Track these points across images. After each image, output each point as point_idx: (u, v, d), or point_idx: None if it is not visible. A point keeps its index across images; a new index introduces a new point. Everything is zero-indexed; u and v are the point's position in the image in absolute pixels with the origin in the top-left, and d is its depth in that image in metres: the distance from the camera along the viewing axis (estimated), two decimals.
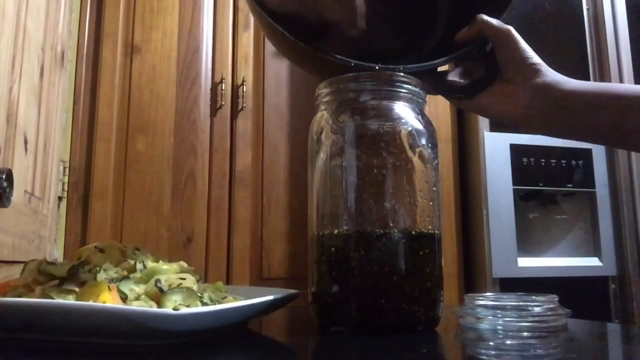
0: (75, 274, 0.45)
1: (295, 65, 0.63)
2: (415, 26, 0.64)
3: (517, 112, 0.55)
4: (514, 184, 1.53)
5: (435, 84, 0.56)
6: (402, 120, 0.49)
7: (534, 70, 0.54)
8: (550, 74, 0.55)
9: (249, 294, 0.50)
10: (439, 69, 0.57)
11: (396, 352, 0.37)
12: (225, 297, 0.50)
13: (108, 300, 0.42)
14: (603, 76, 1.68)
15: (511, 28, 0.55)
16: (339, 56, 0.51)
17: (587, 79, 1.67)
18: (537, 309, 0.39)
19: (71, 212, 1.40)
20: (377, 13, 0.60)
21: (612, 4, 1.71)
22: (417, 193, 0.48)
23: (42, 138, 1.11)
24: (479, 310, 0.40)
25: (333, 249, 0.47)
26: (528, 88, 0.54)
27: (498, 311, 0.39)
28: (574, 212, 1.62)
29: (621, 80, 1.66)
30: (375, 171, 0.47)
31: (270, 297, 0.45)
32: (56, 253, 1.31)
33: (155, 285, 0.43)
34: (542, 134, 0.57)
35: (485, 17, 0.56)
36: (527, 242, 1.55)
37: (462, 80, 0.58)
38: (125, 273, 0.45)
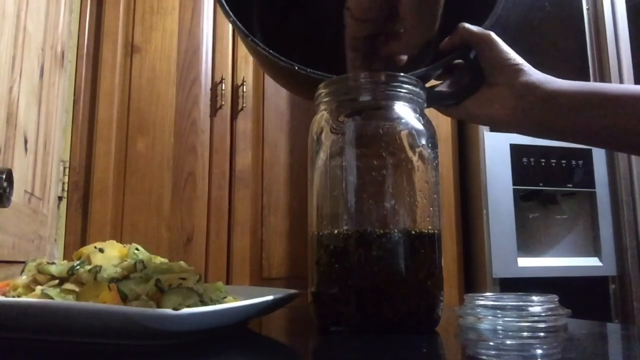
0: (75, 274, 0.45)
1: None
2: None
3: (504, 115, 0.55)
4: (514, 184, 1.53)
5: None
6: (402, 120, 0.49)
7: (516, 70, 0.54)
8: (534, 74, 0.55)
9: (249, 294, 0.50)
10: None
11: (396, 352, 0.37)
12: (225, 297, 0.50)
13: (108, 300, 0.42)
14: (603, 76, 1.68)
15: (491, 32, 0.55)
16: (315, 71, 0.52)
17: (587, 79, 1.68)
18: (537, 309, 0.39)
19: (71, 212, 1.40)
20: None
21: (612, 4, 1.71)
22: (417, 193, 0.48)
23: (42, 138, 1.11)
24: (479, 310, 0.40)
25: (333, 248, 0.47)
26: (512, 89, 0.54)
27: (498, 311, 0.39)
28: (574, 212, 1.62)
29: (621, 81, 1.66)
30: (375, 171, 0.47)
31: (270, 297, 0.45)
32: (56, 253, 1.31)
33: (155, 285, 0.43)
34: (532, 136, 0.57)
35: (467, 25, 0.56)
36: (527, 242, 1.55)
37: (448, 90, 0.58)
38: (125, 273, 0.45)
